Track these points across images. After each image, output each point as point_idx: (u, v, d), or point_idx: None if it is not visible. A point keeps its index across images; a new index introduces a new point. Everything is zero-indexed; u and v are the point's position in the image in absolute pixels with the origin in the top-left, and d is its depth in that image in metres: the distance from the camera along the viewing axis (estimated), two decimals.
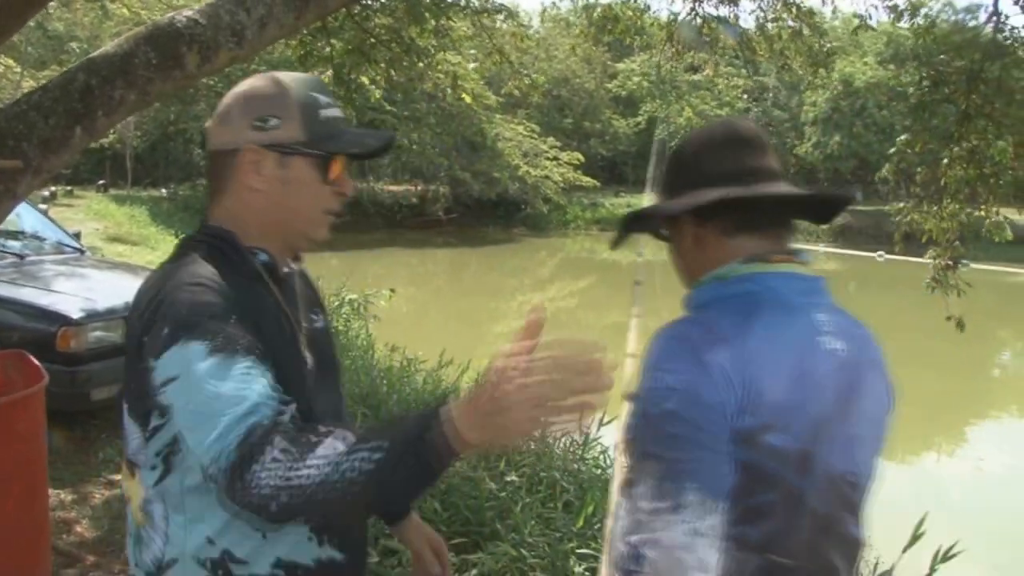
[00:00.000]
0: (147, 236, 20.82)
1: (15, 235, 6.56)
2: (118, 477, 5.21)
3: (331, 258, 29.29)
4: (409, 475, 1.17)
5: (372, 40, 7.13)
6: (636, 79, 43.13)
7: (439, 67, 7.95)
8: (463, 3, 7.61)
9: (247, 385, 1.26)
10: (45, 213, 7.86)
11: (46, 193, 28.40)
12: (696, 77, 37.13)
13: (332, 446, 1.17)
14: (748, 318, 1.34)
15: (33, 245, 6.71)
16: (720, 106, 42.41)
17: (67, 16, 25.18)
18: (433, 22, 7.13)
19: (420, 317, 18.12)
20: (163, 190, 35.76)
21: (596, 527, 4.16)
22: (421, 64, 7.65)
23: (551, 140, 38.50)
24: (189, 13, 2.95)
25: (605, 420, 5.51)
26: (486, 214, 38.42)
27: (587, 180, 38.25)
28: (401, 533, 1.87)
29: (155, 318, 1.33)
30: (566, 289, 26.42)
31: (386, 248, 31.39)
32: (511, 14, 8.08)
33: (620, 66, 44.87)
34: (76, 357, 5.26)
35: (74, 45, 29.44)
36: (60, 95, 2.76)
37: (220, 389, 1.25)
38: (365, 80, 8.00)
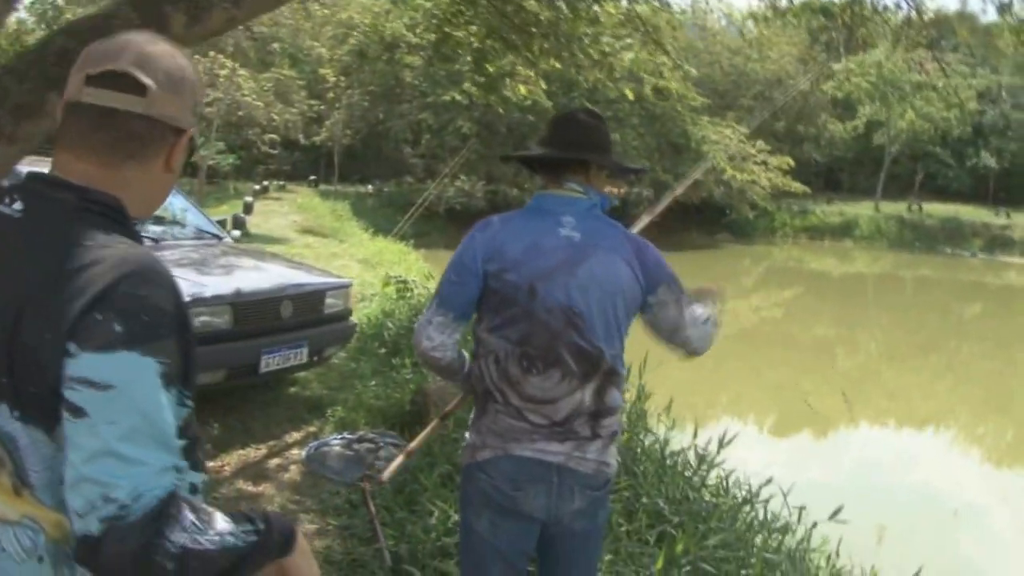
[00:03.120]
0: (338, 229, 21.48)
1: (158, 220, 6.72)
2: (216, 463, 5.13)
3: None
4: (261, 561, 1.27)
5: (513, 23, 6.76)
6: (854, 80, 40.67)
7: (590, 55, 7.48)
8: None
9: (173, 429, 1.20)
10: (196, 202, 8.24)
11: (257, 187, 30.08)
12: (921, 77, 34.56)
13: (222, 519, 1.21)
14: (514, 215, 2.44)
15: (172, 231, 6.88)
16: (947, 108, 39.22)
17: (272, 19, 26.33)
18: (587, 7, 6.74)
19: None
20: (368, 186, 36.97)
21: (685, 569, 3.62)
22: (579, 54, 7.19)
23: (760, 144, 36.89)
24: None
25: (726, 439, 4.83)
26: (689, 218, 37.17)
27: (797, 186, 36.30)
28: None
29: (97, 302, 1.16)
30: (771, 299, 25.24)
31: None
32: (665, 4, 7.52)
33: (837, 66, 42.41)
34: None
35: (276, 46, 30.90)
36: (36, 59, 2.60)
37: (157, 425, 1.17)
38: (522, 70, 7.65)
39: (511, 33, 6.99)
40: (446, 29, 7.37)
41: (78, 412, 1.14)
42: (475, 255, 2.34)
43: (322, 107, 33.99)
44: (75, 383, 1.14)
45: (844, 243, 38.14)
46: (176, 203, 7.25)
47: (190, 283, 5.43)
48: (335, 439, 5.41)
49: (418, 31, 7.86)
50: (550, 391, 2.31)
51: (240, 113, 27.49)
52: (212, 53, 26.68)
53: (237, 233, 17.17)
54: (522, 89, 10.34)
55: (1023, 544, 7.47)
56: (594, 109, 2.60)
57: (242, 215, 19.91)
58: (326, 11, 19.85)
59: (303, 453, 5.32)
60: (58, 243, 1.22)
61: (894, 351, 17.39)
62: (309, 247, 16.65)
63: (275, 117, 28.95)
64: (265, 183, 32.84)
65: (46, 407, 1.17)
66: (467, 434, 2.48)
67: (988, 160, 42.93)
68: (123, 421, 1.14)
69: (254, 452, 5.40)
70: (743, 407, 12.22)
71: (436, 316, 2.38)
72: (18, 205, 1.26)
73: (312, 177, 37.07)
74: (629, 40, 8.03)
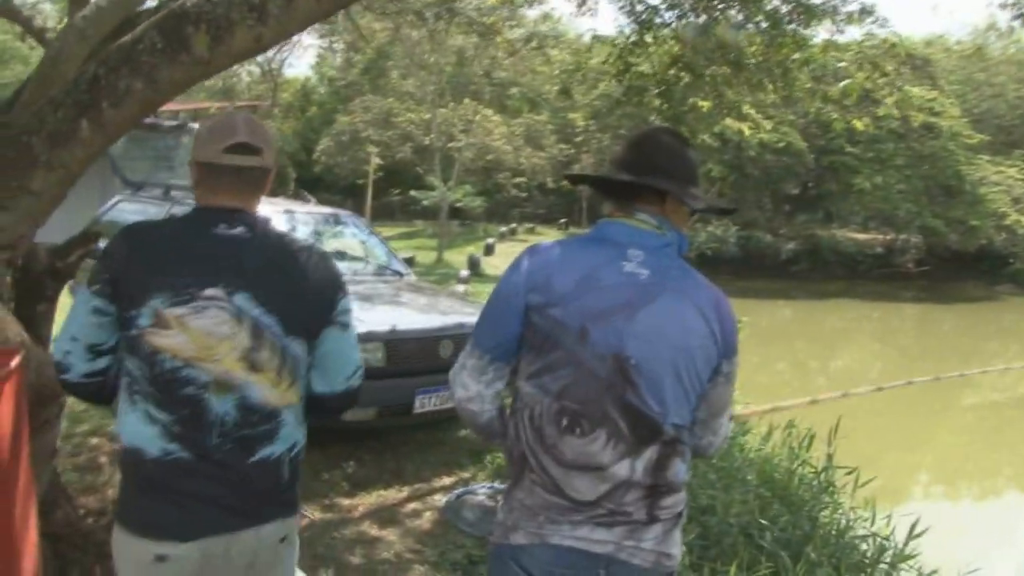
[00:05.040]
0: None
1: (341, 255, 7.01)
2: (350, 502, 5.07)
3: (784, 307, 27.93)
4: None
5: (699, 51, 6.36)
6: None
7: (801, 82, 6.93)
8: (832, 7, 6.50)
9: None
10: (383, 240, 8.38)
11: (504, 229, 30.92)
12: None
13: None
14: (570, 241, 2.09)
15: (354, 267, 7.08)
16: None
17: (509, 63, 26.93)
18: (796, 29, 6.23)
19: (884, 377, 15.99)
20: None
21: None
22: (779, 82, 6.66)
23: None
24: None
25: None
26: (965, 268, 33.90)
27: None
28: None
29: (335, 272, 2.10)
30: None
31: (844, 299, 29.19)
32: (882, 20, 6.81)
33: None
34: None
35: (515, 90, 31.64)
36: (72, 87, 2.63)
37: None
38: (744, 105, 7.22)
39: (701, 63, 6.65)
40: (629, 59, 7.18)
41: (346, 327, 2.08)
42: (517, 284, 1.99)
43: (572, 151, 34.53)
44: (347, 313, 2.08)
45: None
46: (362, 240, 7.68)
47: None
48: (482, 488, 5.20)
49: (609, 63, 7.71)
50: (593, 457, 1.91)
51: (489, 157, 28.44)
52: (467, 100, 27.87)
53: (466, 273, 17.87)
54: (745, 129, 9.80)
55: None
56: (680, 132, 2.21)
57: (477, 255, 20.48)
58: (565, 56, 20.06)
59: (444, 500, 5.14)
60: (287, 244, 2.07)
61: None
62: None
63: (523, 161, 29.69)
64: (513, 225, 33.79)
65: (314, 332, 2.03)
66: (499, 508, 2.12)
67: None
68: (355, 329, 2.13)
69: (395, 494, 5.28)
70: None
71: (470, 359, 2.04)
72: (240, 229, 1.97)
73: (562, 220, 37.69)
74: (843, 64, 7.45)
